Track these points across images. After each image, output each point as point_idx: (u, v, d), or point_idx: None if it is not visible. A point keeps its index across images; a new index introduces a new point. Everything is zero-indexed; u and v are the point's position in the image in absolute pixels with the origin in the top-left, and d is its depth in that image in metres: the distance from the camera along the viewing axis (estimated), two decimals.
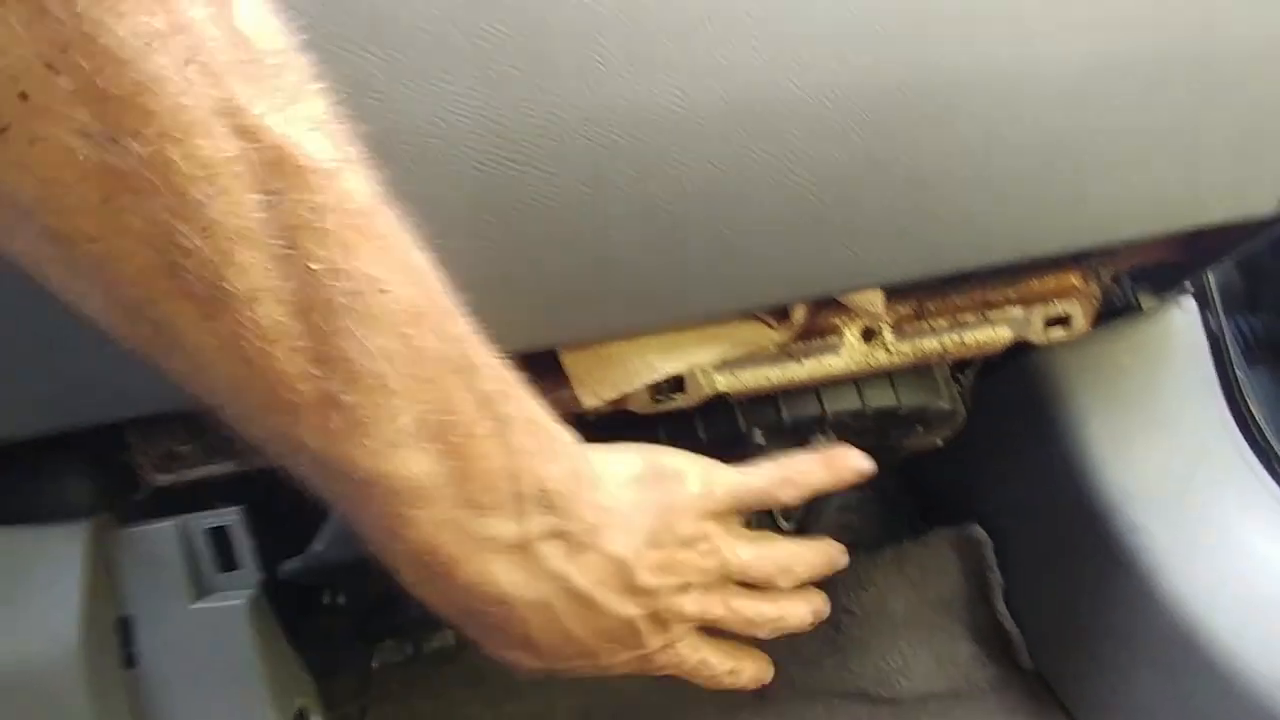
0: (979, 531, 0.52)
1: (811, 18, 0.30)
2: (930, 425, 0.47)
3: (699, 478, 0.30)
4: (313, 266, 0.17)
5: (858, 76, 0.32)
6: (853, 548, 0.57)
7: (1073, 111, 0.34)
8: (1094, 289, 0.43)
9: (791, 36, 0.30)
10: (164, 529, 0.28)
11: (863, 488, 0.62)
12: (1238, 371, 0.49)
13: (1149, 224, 0.38)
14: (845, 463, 0.34)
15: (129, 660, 0.27)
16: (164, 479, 0.31)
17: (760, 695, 0.51)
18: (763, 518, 0.60)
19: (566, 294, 0.31)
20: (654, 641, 0.29)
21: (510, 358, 0.23)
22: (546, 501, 0.24)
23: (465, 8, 0.26)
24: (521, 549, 0.23)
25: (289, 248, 0.16)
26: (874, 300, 0.38)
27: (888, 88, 0.32)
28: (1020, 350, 0.46)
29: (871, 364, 0.40)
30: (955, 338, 0.41)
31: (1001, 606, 0.52)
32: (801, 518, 0.52)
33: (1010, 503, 0.52)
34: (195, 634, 0.27)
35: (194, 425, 0.31)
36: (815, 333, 0.39)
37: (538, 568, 0.24)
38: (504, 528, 0.23)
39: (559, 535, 0.24)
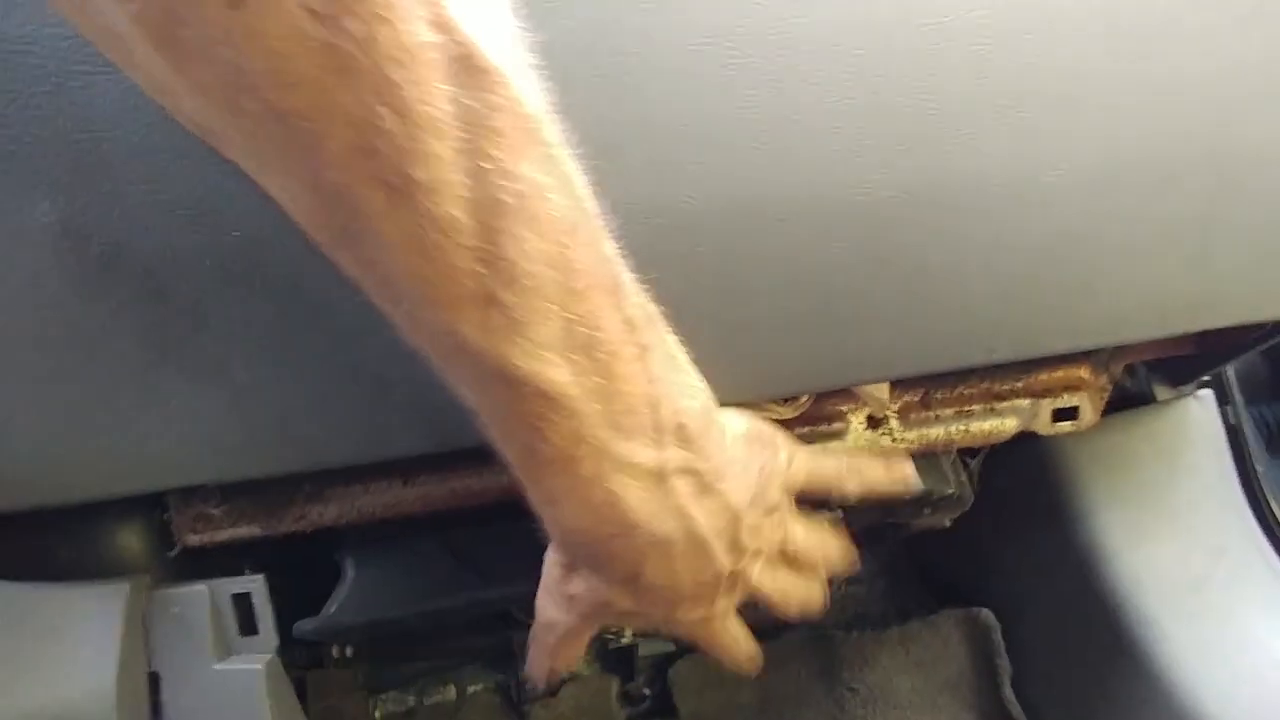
0: (988, 615, 0.52)
1: (822, 123, 0.31)
2: (937, 508, 0.47)
3: (786, 450, 0.31)
4: (485, 165, 0.18)
5: (866, 179, 0.33)
6: (859, 623, 0.57)
7: (1081, 213, 0.35)
8: (1103, 382, 0.44)
9: (801, 140, 0.32)
10: (194, 592, 0.30)
11: (870, 562, 0.62)
12: (1256, 465, 0.49)
13: (1159, 325, 0.38)
14: (903, 472, 0.36)
15: (156, 712, 0.29)
16: (195, 539, 0.33)
17: None
18: None
19: None
20: (724, 604, 0.29)
21: None
22: (683, 435, 0.24)
23: None
24: (657, 478, 0.23)
25: (468, 143, 0.17)
26: (881, 389, 0.39)
27: (896, 190, 0.33)
28: (1031, 434, 0.46)
29: (878, 448, 0.41)
30: (961, 427, 0.42)
31: (1009, 693, 0.51)
32: None
33: (1020, 587, 0.52)
34: (216, 692, 0.29)
35: (226, 492, 0.34)
36: (821, 419, 0.40)
37: (668, 501, 0.24)
38: (643, 454, 0.23)
39: (690, 472, 0.24)
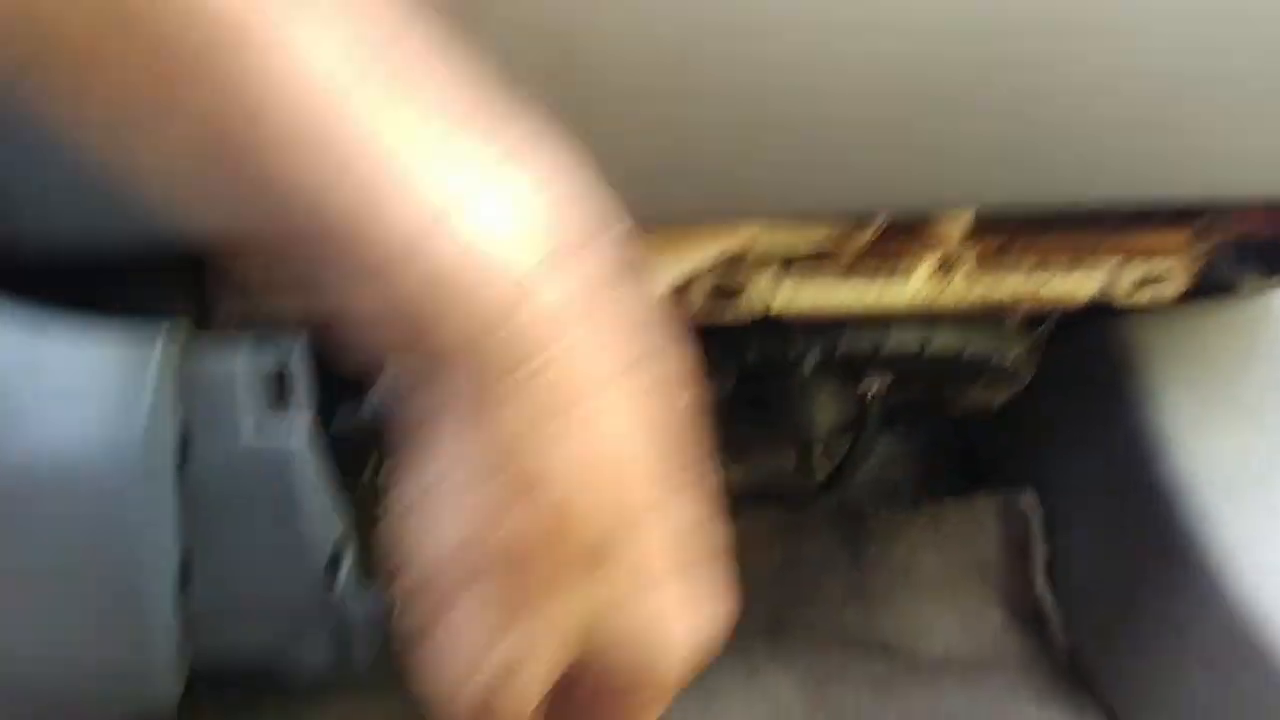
0: (1028, 499, 0.50)
1: None
2: (991, 380, 0.45)
3: None
4: None
5: None
6: (890, 501, 0.56)
7: (1200, 56, 0.32)
8: (1197, 252, 0.41)
9: None
10: (232, 347, 0.28)
11: (908, 444, 0.60)
12: None
13: (1267, 185, 0.36)
14: None
15: (183, 470, 0.28)
16: (234, 306, 0.32)
17: (774, 633, 0.51)
18: (802, 464, 0.59)
19: (645, 174, 0.30)
20: None
21: None
22: None
23: None
24: None
25: None
26: (959, 225, 0.36)
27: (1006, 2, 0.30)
28: (1100, 317, 0.44)
29: (941, 299, 0.38)
30: (1037, 282, 0.39)
31: (1040, 579, 0.50)
32: (837, 468, 0.51)
33: (1068, 475, 0.50)
34: (249, 451, 0.28)
35: (268, 263, 0.32)
36: (889, 255, 0.37)
37: None
38: None
39: None
